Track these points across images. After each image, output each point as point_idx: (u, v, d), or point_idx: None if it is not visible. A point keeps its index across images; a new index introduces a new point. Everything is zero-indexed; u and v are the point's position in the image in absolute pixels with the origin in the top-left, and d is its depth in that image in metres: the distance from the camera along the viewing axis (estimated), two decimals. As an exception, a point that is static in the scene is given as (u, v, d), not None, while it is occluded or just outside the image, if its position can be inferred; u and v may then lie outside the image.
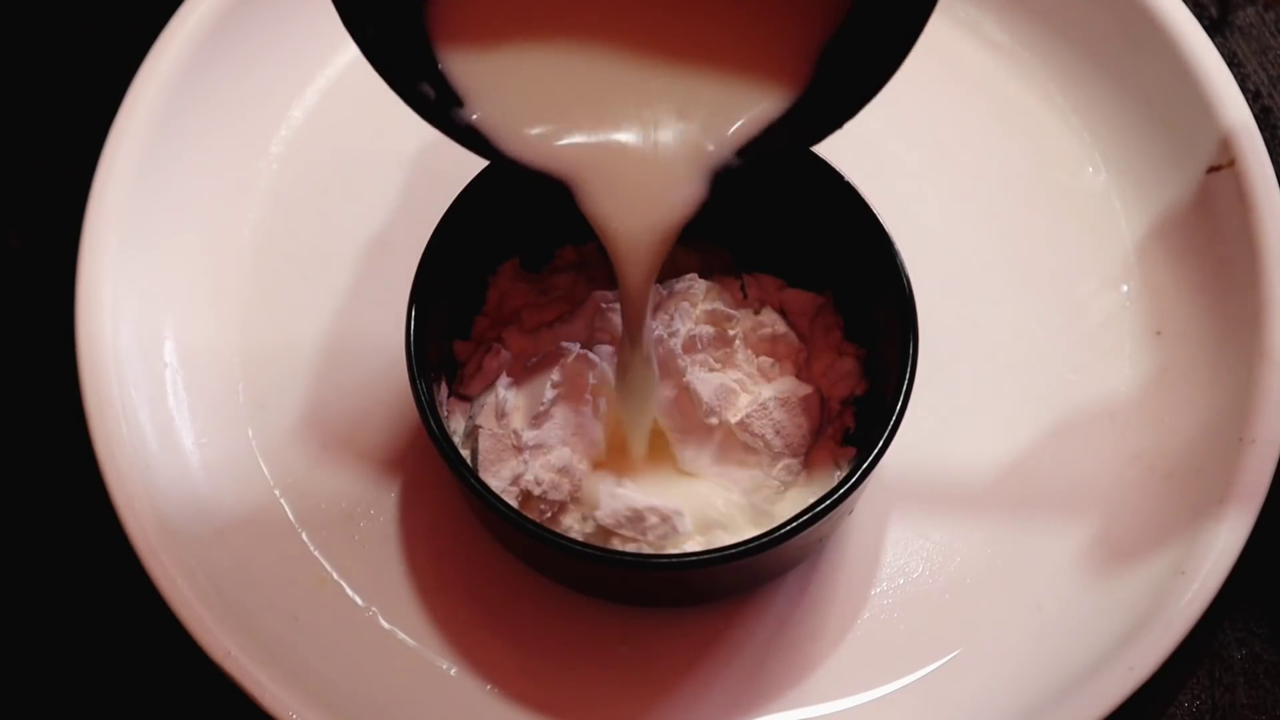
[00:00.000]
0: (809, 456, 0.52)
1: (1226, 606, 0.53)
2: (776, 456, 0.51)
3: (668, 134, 0.44)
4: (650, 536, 0.49)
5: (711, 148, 0.44)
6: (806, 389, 0.52)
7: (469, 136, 0.44)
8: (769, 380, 0.52)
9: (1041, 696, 0.49)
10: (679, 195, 0.45)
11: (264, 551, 0.53)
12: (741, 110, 0.44)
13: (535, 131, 0.44)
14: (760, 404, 0.51)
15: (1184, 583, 0.50)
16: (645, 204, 0.45)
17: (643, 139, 0.44)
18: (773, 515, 0.50)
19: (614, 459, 0.51)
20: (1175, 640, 0.49)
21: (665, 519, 0.49)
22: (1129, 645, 0.49)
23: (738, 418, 0.51)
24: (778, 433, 0.51)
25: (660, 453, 0.51)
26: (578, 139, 0.44)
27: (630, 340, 0.49)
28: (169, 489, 0.52)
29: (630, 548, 0.49)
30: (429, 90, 0.43)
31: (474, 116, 0.44)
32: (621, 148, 0.44)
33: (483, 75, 0.44)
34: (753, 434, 0.50)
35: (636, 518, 0.48)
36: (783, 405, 0.51)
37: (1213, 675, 0.53)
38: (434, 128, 0.44)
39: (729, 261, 0.55)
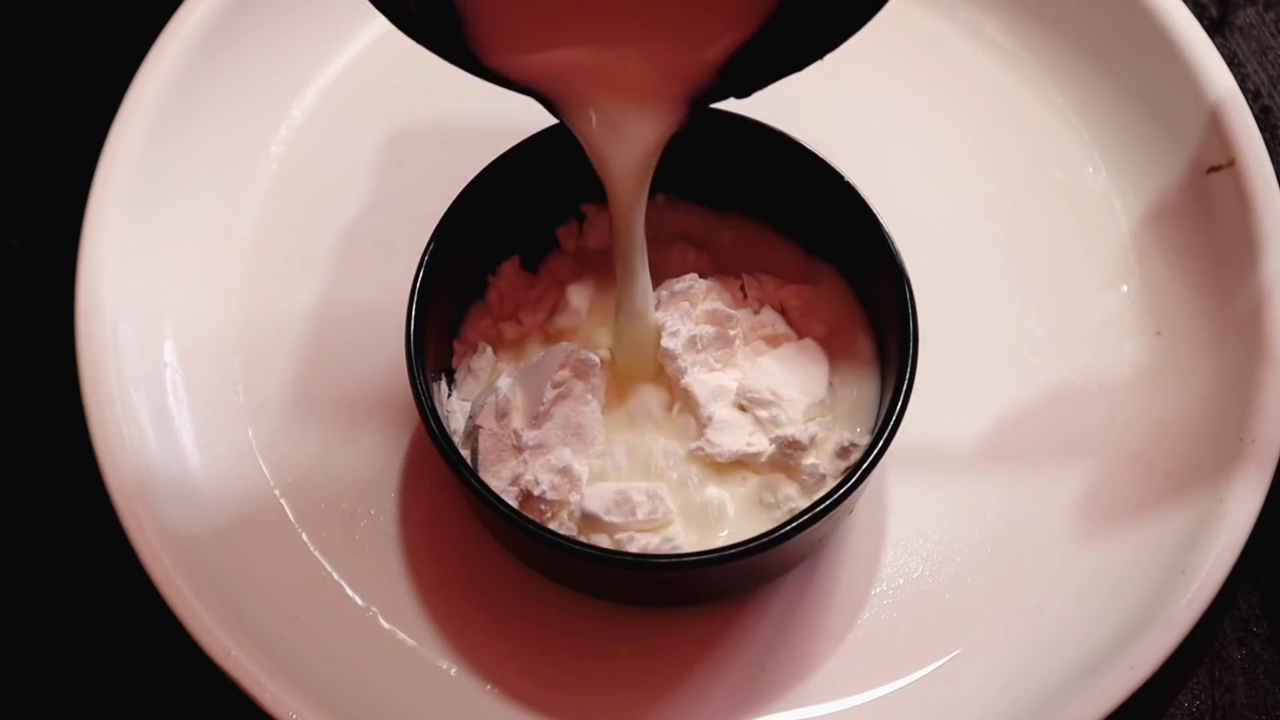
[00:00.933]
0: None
1: (1226, 606, 0.53)
2: (793, 404, 0.51)
3: (647, 51, 0.45)
4: (640, 514, 0.48)
5: (690, 66, 0.45)
6: (806, 340, 0.52)
7: (459, 55, 0.45)
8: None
9: (1041, 696, 0.49)
10: (659, 112, 0.46)
11: (264, 551, 0.53)
12: (717, 28, 0.44)
13: (521, 49, 0.45)
14: (753, 364, 0.51)
15: (1184, 583, 0.50)
16: (627, 120, 0.46)
17: (623, 56, 0.45)
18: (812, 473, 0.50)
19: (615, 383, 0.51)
20: (1175, 640, 0.49)
21: (652, 495, 0.49)
22: (1129, 645, 0.49)
23: (733, 390, 0.51)
24: (787, 384, 0.51)
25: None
26: (561, 57, 0.45)
27: (622, 255, 0.49)
28: (169, 489, 0.52)
29: (623, 536, 0.49)
30: (413, 4, 0.44)
31: (465, 36, 0.44)
32: (602, 65, 0.45)
33: None
34: (758, 400, 0.50)
35: (622, 499, 0.48)
36: (782, 361, 0.51)
37: (1213, 675, 0.53)
38: (424, 47, 0.44)
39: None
